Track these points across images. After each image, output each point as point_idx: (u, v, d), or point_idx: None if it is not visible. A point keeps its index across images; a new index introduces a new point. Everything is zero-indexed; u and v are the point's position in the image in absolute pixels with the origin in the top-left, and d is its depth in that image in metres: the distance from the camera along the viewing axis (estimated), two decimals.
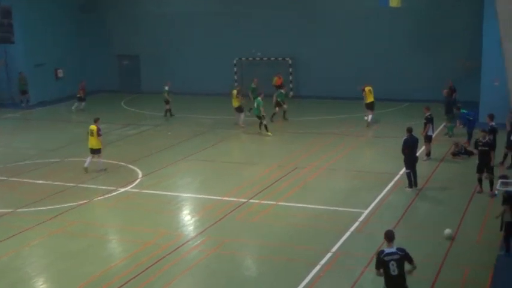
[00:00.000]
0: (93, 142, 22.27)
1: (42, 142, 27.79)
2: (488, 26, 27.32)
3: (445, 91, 27.31)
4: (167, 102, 31.32)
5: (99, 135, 22.19)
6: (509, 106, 23.51)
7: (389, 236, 11.25)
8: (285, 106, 29.90)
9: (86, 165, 22.32)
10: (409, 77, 34.45)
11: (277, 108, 29.56)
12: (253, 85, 31.94)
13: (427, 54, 33.96)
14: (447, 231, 15.68)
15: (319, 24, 36.13)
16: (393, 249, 11.10)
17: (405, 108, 32.78)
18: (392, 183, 20.25)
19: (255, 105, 27.30)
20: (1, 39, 37.20)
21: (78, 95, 34.29)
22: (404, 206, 18.15)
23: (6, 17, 37.09)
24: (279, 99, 29.63)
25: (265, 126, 27.18)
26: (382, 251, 11.15)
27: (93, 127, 22.27)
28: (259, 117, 27.17)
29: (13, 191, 20.77)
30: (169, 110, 31.60)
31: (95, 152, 22.37)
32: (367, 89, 28.60)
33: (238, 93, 28.96)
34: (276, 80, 34.60)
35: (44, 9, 37.96)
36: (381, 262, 11.05)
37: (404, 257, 11.08)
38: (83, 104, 34.07)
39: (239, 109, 28.82)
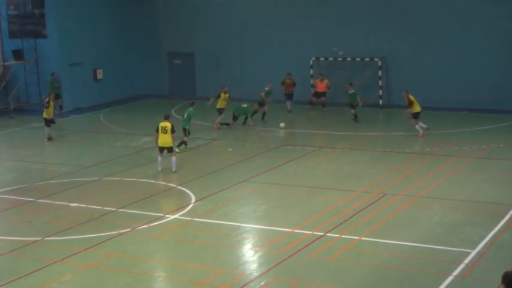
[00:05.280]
0: (166, 140, 24.99)
1: (76, 157, 28.41)
2: None
3: None
4: (261, 104, 33.68)
5: (173, 132, 24.99)
6: None
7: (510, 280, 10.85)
8: (264, 107, 33.54)
9: (160, 168, 25.36)
10: None
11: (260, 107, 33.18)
12: (267, 88, 34.41)
13: None
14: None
15: (417, 16, 35.88)
16: None
17: None
18: (508, 216, 19.82)
19: (185, 115, 28.95)
20: (32, 33, 38.20)
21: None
22: None
23: (38, 6, 38.07)
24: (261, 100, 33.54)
25: (184, 142, 28.70)
26: None
27: (167, 124, 25.03)
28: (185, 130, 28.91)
29: (41, 215, 21.22)
30: (264, 114, 33.86)
31: (168, 150, 25.12)
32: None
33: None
34: (318, 84, 36.49)
35: None
36: None
37: None
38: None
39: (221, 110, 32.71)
